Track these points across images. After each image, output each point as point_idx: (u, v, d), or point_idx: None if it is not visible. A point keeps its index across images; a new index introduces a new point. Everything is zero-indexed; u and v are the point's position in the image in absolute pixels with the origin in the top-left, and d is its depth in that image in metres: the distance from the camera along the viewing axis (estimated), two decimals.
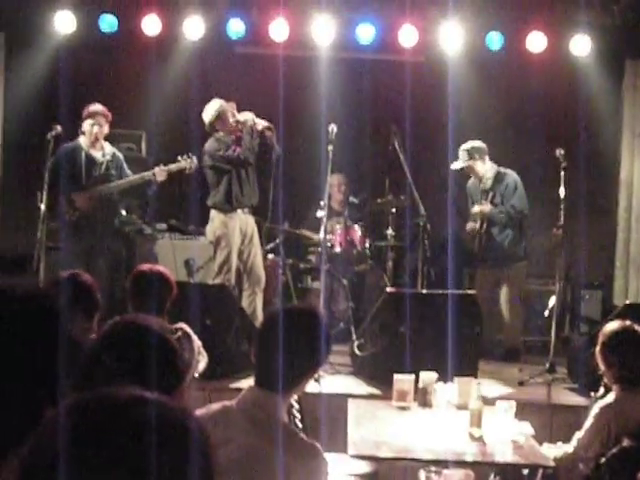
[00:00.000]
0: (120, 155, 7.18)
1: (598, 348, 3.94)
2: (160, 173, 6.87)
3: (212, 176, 7.10)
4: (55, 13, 7.94)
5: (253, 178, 7.16)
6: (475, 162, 7.33)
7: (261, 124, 6.95)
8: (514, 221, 7.31)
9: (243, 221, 7.10)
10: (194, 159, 6.97)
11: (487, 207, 7.29)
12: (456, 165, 7.40)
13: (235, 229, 7.03)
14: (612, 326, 3.96)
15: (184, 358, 2.11)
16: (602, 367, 3.93)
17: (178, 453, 1.03)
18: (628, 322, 3.97)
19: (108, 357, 2.03)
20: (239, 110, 7.07)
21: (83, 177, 6.87)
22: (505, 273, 7.36)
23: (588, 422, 3.90)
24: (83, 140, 6.95)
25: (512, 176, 7.35)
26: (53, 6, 7.98)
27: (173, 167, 6.95)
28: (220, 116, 7.04)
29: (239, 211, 7.06)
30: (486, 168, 7.36)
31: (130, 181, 7.00)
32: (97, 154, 6.97)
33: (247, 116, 6.99)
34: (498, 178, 7.34)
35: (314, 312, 2.82)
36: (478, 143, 7.36)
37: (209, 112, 7.08)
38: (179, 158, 6.97)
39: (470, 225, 7.47)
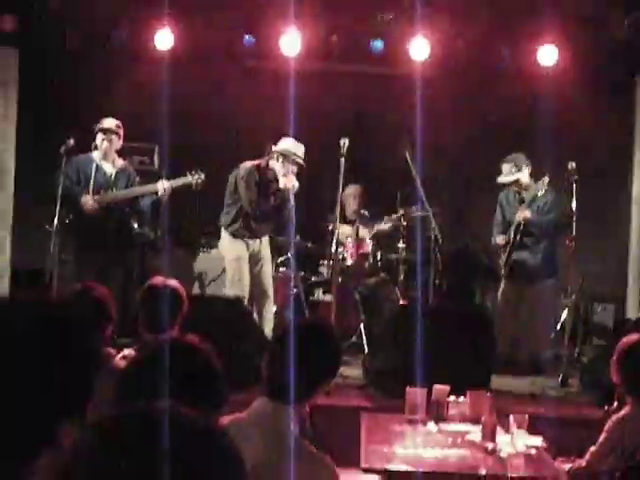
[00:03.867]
0: (132, 170, 7.19)
1: (615, 359, 3.89)
2: (164, 187, 6.87)
3: (229, 197, 7.12)
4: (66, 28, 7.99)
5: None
6: (522, 173, 7.22)
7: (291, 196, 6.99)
8: (551, 234, 7.20)
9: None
10: (202, 175, 6.94)
11: (528, 213, 7.10)
12: (504, 179, 7.26)
13: (242, 242, 7.07)
14: (632, 337, 3.93)
15: (226, 383, 2.12)
16: (618, 379, 3.88)
17: (211, 471, 1.04)
18: None
19: (154, 373, 2.01)
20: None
21: (91, 186, 6.87)
22: (533, 290, 7.24)
23: (602, 436, 3.86)
24: (96, 154, 6.98)
25: (553, 192, 7.22)
26: (64, 21, 8.02)
27: (177, 182, 6.93)
28: (284, 161, 6.99)
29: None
30: (527, 177, 7.27)
31: (135, 192, 7.00)
32: (108, 166, 7.00)
33: (295, 183, 6.97)
34: (540, 191, 7.18)
35: (325, 325, 2.83)
36: (519, 154, 7.25)
37: (286, 147, 7.01)
38: (187, 174, 6.97)
39: (501, 237, 7.34)
